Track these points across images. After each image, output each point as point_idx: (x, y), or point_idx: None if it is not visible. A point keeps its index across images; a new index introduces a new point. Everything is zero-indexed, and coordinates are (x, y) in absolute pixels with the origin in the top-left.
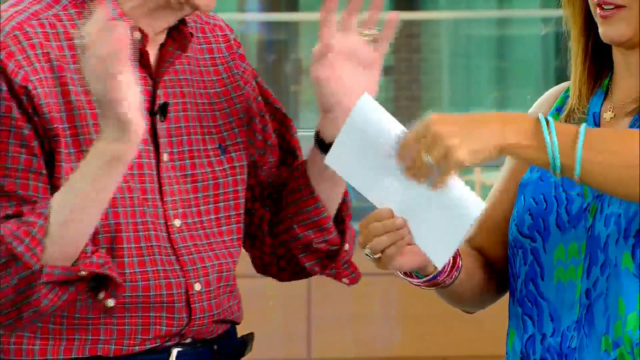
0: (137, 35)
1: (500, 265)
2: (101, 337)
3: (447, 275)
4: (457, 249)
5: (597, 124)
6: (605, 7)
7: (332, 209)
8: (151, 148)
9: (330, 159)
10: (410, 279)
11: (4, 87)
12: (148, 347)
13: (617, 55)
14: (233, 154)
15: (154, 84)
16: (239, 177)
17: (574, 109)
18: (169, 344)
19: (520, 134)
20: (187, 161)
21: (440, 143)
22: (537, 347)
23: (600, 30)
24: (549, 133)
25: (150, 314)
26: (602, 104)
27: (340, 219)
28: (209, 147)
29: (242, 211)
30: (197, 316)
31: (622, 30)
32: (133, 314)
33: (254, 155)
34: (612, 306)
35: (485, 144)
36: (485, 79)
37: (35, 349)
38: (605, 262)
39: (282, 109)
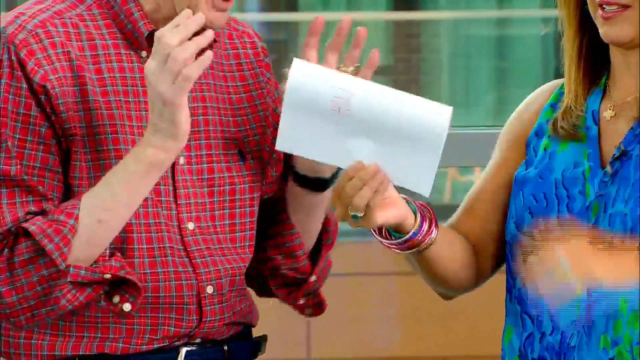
0: (210, 33)
1: (483, 251)
2: (110, 336)
3: (426, 234)
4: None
5: (596, 122)
6: (608, 8)
7: (308, 238)
8: None
9: (280, 144)
10: (388, 241)
11: (25, 85)
12: (156, 346)
13: (616, 54)
14: (252, 161)
15: None
16: (255, 184)
17: (570, 108)
18: (177, 343)
19: None
20: (205, 165)
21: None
22: (535, 346)
23: (601, 31)
24: None
25: (160, 315)
26: (600, 103)
27: (317, 249)
28: (228, 153)
29: (255, 218)
30: (208, 319)
31: (625, 30)
32: (142, 314)
33: (262, 167)
34: (612, 305)
35: None
36: (485, 79)
37: (44, 344)
38: None
39: None
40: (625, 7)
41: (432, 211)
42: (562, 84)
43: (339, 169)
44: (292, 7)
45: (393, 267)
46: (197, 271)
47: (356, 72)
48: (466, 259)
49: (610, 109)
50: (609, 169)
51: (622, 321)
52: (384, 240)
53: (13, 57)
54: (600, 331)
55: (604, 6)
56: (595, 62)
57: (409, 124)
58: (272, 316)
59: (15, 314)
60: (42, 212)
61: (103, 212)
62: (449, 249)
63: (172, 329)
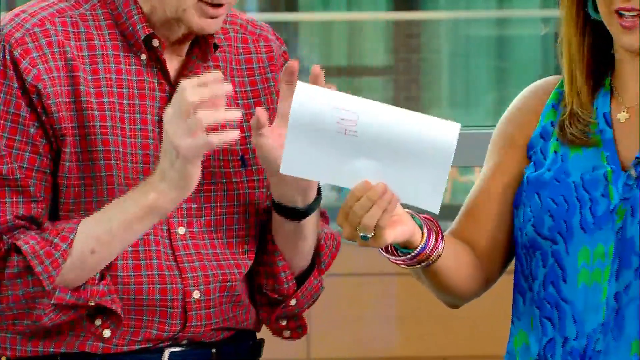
0: (237, 115)
1: (488, 257)
2: (92, 336)
3: (433, 247)
4: (440, 227)
5: (609, 124)
6: (627, 15)
7: (294, 260)
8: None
9: (285, 167)
10: (396, 258)
11: (16, 85)
12: (138, 347)
13: (624, 58)
14: (254, 167)
15: (171, 91)
16: (257, 190)
17: (577, 112)
18: (161, 345)
19: None
20: (203, 170)
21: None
22: (557, 350)
23: (620, 40)
24: None
25: (143, 317)
26: (609, 104)
27: (309, 270)
28: (229, 158)
29: (257, 225)
30: (193, 323)
31: None
32: (126, 316)
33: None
34: None
35: None
36: (485, 79)
37: (30, 340)
38: None
39: None
40: None
41: (437, 223)
42: (560, 83)
43: (314, 201)
44: (292, 7)
45: (393, 267)
46: (183, 275)
47: None
48: (472, 267)
49: (624, 111)
50: (633, 172)
51: None
52: (391, 257)
53: (7, 56)
54: (631, 336)
55: (622, 13)
56: (596, 62)
57: (416, 143)
58: None
59: None
60: (31, 218)
61: (97, 244)
62: (455, 259)
63: (155, 331)
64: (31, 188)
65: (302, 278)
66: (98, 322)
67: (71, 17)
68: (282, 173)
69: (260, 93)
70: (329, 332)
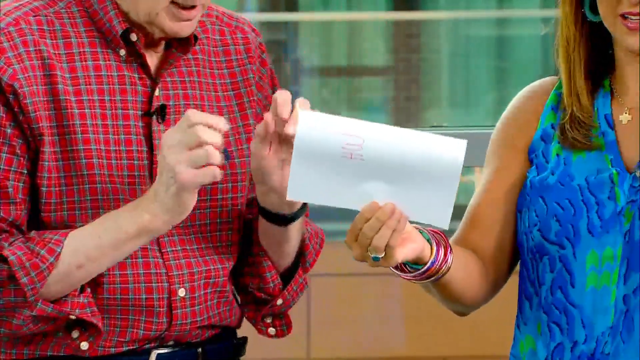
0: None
1: (494, 263)
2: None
3: (442, 261)
4: (448, 239)
5: (611, 126)
6: (632, 18)
7: (279, 260)
8: (145, 149)
9: (291, 193)
10: (407, 275)
11: None
12: (125, 349)
13: (625, 59)
14: (237, 160)
15: (153, 85)
16: (240, 184)
17: (577, 116)
18: (148, 346)
19: None
20: None
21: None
22: (565, 355)
23: (625, 41)
24: None
25: (130, 317)
26: (610, 105)
27: (293, 271)
28: None
29: (240, 218)
30: (179, 322)
31: None
32: (112, 316)
33: (248, 165)
34: None
35: None
36: (485, 79)
37: (16, 342)
38: None
39: None
40: None
41: (445, 236)
42: (558, 85)
43: (300, 208)
44: (292, 7)
45: None
46: (169, 273)
47: None
48: (480, 276)
49: (626, 113)
50: (638, 173)
51: None
52: (401, 274)
53: None
54: None
55: (627, 16)
56: (594, 64)
57: (423, 162)
58: None
59: None
60: (11, 221)
61: (85, 259)
62: (463, 270)
63: (142, 331)
64: (10, 190)
65: (286, 277)
66: (75, 334)
67: (46, 16)
68: (288, 199)
69: (239, 85)
70: (329, 332)
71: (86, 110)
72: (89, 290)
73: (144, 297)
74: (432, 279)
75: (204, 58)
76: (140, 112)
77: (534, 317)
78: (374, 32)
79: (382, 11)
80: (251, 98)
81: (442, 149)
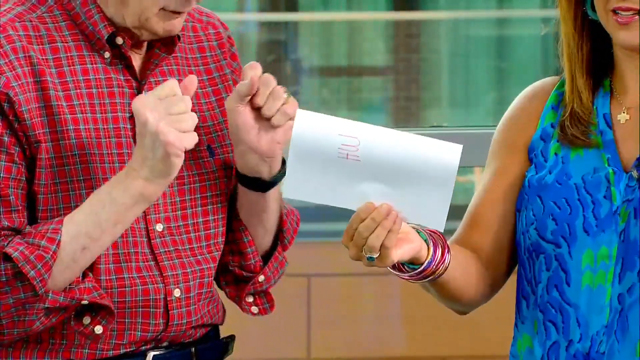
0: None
1: (494, 262)
2: (75, 342)
3: (439, 261)
4: (445, 240)
5: (609, 125)
6: (623, 13)
7: (259, 235)
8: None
9: (288, 191)
10: (403, 274)
11: None
12: (123, 351)
13: (624, 58)
14: (222, 156)
15: (139, 87)
16: (226, 179)
17: (577, 112)
18: (144, 348)
19: None
20: None
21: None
22: (561, 354)
23: (616, 36)
24: None
25: (126, 320)
26: (609, 105)
27: (273, 249)
28: (197, 149)
29: (226, 214)
30: (175, 322)
31: None
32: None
33: (232, 160)
34: None
35: None
36: (485, 79)
37: (10, 350)
38: None
39: None
40: None
41: (443, 236)
42: (558, 85)
43: (279, 172)
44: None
45: None
46: (164, 274)
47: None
48: (479, 275)
49: (624, 112)
50: (634, 173)
51: None
52: (398, 273)
53: None
54: (636, 337)
55: (618, 12)
56: (596, 62)
57: (419, 165)
58: (272, 316)
59: None
60: (16, 230)
61: (87, 240)
62: (462, 270)
63: (139, 333)
64: (11, 198)
65: (266, 256)
66: (87, 320)
67: (31, 21)
68: (285, 197)
69: (217, 81)
70: (329, 332)
71: (78, 115)
72: (90, 274)
73: (140, 299)
74: (429, 279)
75: (182, 56)
76: (128, 115)
77: (530, 315)
78: (374, 32)
79: (382, 11)
80: (229, 93)
81: (438, 153)
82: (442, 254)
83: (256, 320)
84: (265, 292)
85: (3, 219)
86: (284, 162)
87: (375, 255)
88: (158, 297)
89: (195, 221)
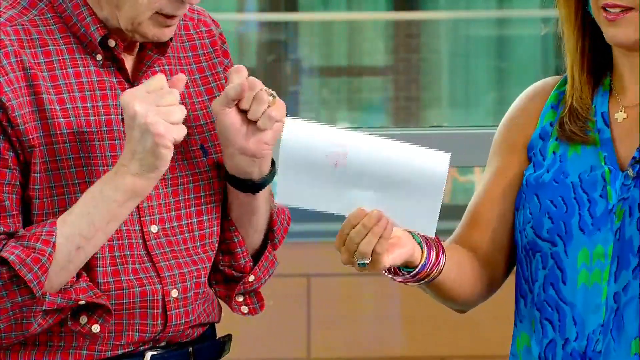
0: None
1: (492, 262)
2: (73, 343)
3: (434, 264)
4: (441, 241)
5: (607, 124)
6: (611, 10)
7: (249, 235)
8: None
9: (280, 197)
10: (398, 277)
11: None
12: (121, 352)
13: (620, 56)
14: (215, 155)
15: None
16: (220, 179)
17: (575, 108)
18: (142, 348)
19: None
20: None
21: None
22: (557, 352)
23: (606, 33)
24: None
25: (124, 321)
26: (608, 103)
27: (263, 249)
28: (190, 149)
29: (221, 213)
30: (173, 323)
31: (629, 32)
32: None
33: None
34: None
35: None
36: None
37: (8, 353)
38: (638, 266)
39: None
40: (629, 9)
41: (438, 239)
42: (559, 84)
43: (269, 173)
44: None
45: None
46: (161, 275)
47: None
48: (476, 275)
49: (621, 111)
50: (630, 172)
51: None
52: (394, 277)
53: None
54: (631, 336)
55: (607, 9)
56: (597, 61)
57: (408, 174)
58: (272, 316)
59: None
60: (10, 234)
61: (81, 240)
62: (458, 271)
63: (137, 334)
64: (6, 203)
65: (256, 256)
66: (84, 319)
67: (22, 25)
68: (276, 203)
69: (209, 80)
70: (329, 332)
71: (71, 119)
72: (84, 274)
73: (137, 300)
74: (424, 281)
75: (174, 55)
76: (121, 117)
77: (528, 314)
78: (374, 32)
79: (382, 11)
80: (222, 91)
81: (427, 162)
82: (437, 256)
83: (256, 320)
84: (255, 291)
85: None
86: (273, 162)
87: (367, 261)
88: (156, 298)
89: (189, 221)
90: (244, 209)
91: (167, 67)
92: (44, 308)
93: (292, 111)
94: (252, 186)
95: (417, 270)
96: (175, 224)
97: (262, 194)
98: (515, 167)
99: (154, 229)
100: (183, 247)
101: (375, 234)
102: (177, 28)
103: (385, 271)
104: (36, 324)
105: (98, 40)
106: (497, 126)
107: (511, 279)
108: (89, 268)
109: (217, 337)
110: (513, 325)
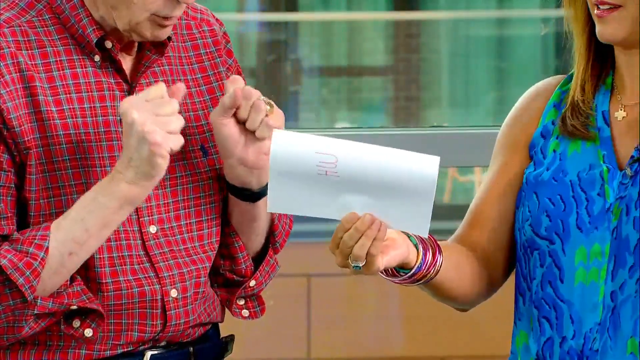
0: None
1: (493, 261)
2: (72, 343)
3: (430, 264)
4: (438, 242)
5: (607, 123)
6: (601, 7)
7: (250, 240)
8: None
9: (272, 206)
10: (395, 279)
11: None
12: (120, 351)
13: (620, 55)
14: (215, 156)
15: (130, 89)
16: (219, 180)
17: (577, 104)
18: (142, 347)
19: None
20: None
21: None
22: (555, 350)
23: (596, 29)
24: None
25: (123, 321)
26: (609, 102)
27: (264, 252)
28: (190, 149)
29: (221, 213)
30: (173, 322)
31: (616, 29)
32: (106, 321)
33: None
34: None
35: None
36: (485, 79)
37: (7, 352)
38: (634, 265)
39: None
40: (617, 7)
41: (434, 239)
42: (562, 83)
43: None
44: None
45: None
46: (160, 275)
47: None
48: (476, 274)
49: (621, 110)
50: (628, 170)
51: None
52: (391, 278)
53: None
54: (627, 335)
55: (599, 5)
56: (602, 59)
57: (398, 179)
58: (272, 316)
59: None
60: (5, 237)
61: (75, 245)
62: (456, 271)
63: (136, 334)
64: (0, 205)
65: (257, 259)
66: (76, 323)
67: (19, 26)
68: (268, 211)
69: (211, 79)
70: (328, 332)
71: (68, 120)
72: (78, 277)
73: (136, 300)
74: (421, 282)
75: (175, 55)
76: (119, 118)
77: (526, 312)
78: (374, 32)
79: (382, 11)
80: (223, 91)
81: (417, 166)
82: (434, 257)
83: (256, 320)
84: (256, 295)
85: None
86: None
87: (361, 264)
88: (155, 298)
89: (188, 222)
90: (244, 216)
91: (167, 67)
92: (35, 312)
93: (293, 111)
94: (251, 196)
95: (413, 271)
96: (174, 224)
97: (262, 202)
98: (517, 166)
99: (152, 229)
100: (182, 247)
101: (368, 237)
102: (179, 27)
103: (382, 273)
104: (28, 327)
105: (94, 41)
106: (497, 126)
107: (512, 279)
108: (88, 268)
109: (220, 337)
110: (513, 325)
